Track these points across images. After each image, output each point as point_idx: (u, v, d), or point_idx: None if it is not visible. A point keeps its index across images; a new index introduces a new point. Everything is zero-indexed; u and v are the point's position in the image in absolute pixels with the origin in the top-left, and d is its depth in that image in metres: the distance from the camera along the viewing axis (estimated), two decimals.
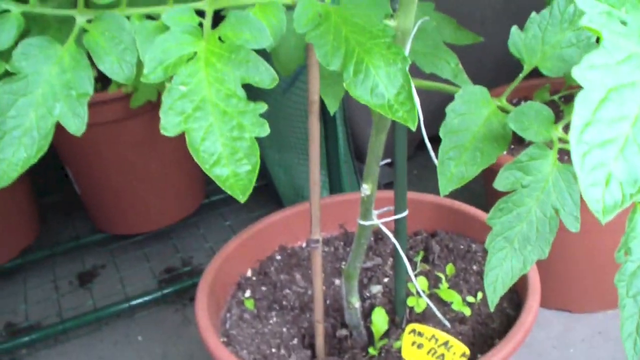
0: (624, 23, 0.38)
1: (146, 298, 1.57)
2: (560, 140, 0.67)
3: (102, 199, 1.73)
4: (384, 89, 0.56)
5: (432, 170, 1.79)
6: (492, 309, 0.68)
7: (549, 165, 0.65)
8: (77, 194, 1.75)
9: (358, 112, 1.79)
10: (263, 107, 0.58)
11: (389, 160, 0.89)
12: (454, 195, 1.23)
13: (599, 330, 1.46)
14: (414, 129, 0.56)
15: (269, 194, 1.86)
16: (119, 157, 1.63)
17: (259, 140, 1.66)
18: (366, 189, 0.85)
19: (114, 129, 1.57)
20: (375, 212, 0.89)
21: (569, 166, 0.65)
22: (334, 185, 1.48)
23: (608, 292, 1.47)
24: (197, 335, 1.03)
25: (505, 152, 1.43)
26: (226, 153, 0.57)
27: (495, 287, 0.66)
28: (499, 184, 0.64)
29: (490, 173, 1.42)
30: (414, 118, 0.55)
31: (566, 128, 0.58)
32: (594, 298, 1.48)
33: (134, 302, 1.56)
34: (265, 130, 0.57)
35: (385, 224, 0.91)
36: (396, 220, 0.92)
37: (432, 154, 0.82)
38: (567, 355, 1.39)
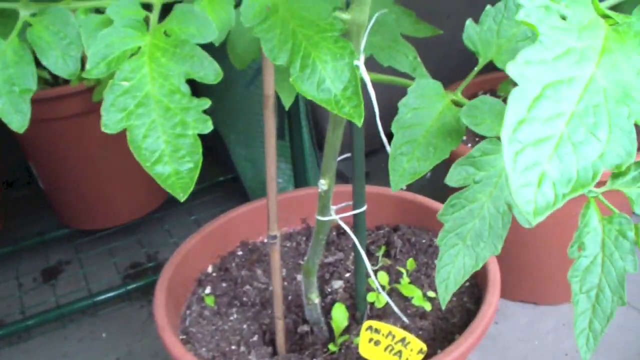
0: (563, 17, 0.37)
1: (110, 294, 1.55)
2: None
3: (66, 194, 1.70)
4: (330, 84, 0.55)
5: None
6: (443, 307, 0.67)
7: (502, 161, 0.64)
8: (41, 189, 1.72)
9: (322, 108, 1.77)
10: (206, 103, 0.56)
11: (348, 155, 0.88)
12: (418, 188, 1.22)
13: (564, 322, 1.46)
14: (359, 124, 0.55)
15: (235, 188, 1.84)
16: (83, 151, 1.61)
17: (225, 134, 1.65)
18: (323, 184, 0.84)
19: (76, 123, 1.55)
20: (333, 208, 0.88)
21: None
22: (299, 178, 1.48)
23: None
24: None
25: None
26: (168, 150, 0.55)
27: (447, 284, 0.65)
28: (451, 179, 0.64)
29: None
30: (360, 114, 0.54)
31: None
32: (559, 290, 1.48)
33: (97, 299, 1.53)
34: (208, 127, 0.56)
35: (346, 218, 0.91)
36: (355, 215, 0.91)
37: (388, 148, 0.81)
38: (532, 348, 1.40)
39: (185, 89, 0.56)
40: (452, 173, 0.63)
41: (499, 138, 0.65)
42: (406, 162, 0.64)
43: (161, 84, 0.55)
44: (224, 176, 1.91)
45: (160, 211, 1.82)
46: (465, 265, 0.64)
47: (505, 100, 0.41)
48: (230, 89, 1.64)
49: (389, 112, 0.72)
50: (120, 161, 1.67)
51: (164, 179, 0.56)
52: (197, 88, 1.74)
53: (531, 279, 1.47)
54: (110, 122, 0.55)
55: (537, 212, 0.34)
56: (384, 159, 2.09)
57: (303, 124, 1.43)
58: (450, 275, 0.64)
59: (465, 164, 0.63)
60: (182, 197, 0.57)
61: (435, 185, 1.17)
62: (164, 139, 0.55)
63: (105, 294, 1.55)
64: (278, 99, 0.87)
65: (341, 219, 0.90)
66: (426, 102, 0.66)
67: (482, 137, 1.41)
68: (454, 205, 0.64)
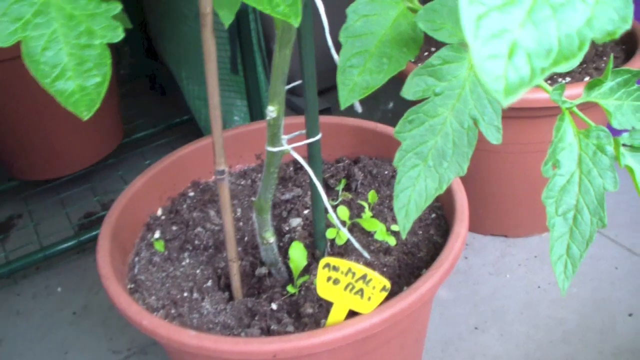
0: None
1: (63, 246, 1.47)
2: None
3: (11, 145, 1.61)
4: None
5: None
6: (403, 236, 0.60)
7: (465, 70, 0.56)
8: None
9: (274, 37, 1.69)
10: (116, 7, 0.48)
11: (300, 82, 0.80)
12: (380, 118, 1.15)
13: (535, 253, 1.42)
14: (297, 24, 0.47)
15: (191, 129, 1.76)
16: (26, 96, 1.51)
17: (177, 72, 1.56)
18: (272, 110, 0.76)
19: (17, 66, 1.45)
20: (285, 137, 0.80)
21: None
22: (255, 116, 1.40)
23: (543, 214, 1.42)
24: None
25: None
26: (72, 64, 0.47)
27: (408, 210, 0.58)
28: (408, 91, 0.56)
29: None
30: (297, 12, 0.46)
31: None
32: (529, 222, 1.44)
33: (49, 252, 1.46)
34: (118, 35, 0.48)
35: (300, 151, 0.83)
36: (309, 145, 0.84)
37: (335, 57, 0.73)
38: (503, 281, 1.35)
39: None
40: (409, 84, 0.56)
41: (460, 44, 0.57)
42: (357, 75, 0.57)
43: None
44: (179, 118, 1.83)
45: (112, 157, 1.74)
46: (428, 188, 0.57)
47: None
48: (180, 23, 1.55)
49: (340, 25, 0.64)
50: None
51: (67, 96, 0.47)
52: (144, 24, 1.64)
53: (500, 211, 1.41)
54: (1, 34, 0.47)
55: (508, 90, 0.27)
56: None
57: (257, 56, 1.34)
58: (411, 200, 0.57)
59: (423, 74, 0.56)
60: (86, 115, 0.49)
61: (398, 116, 1.10)
62: (67, 52, 0.47)
63: (57, 247, 1.47)
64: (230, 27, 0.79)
65: (295, 150, 0.82)
66: (378, 9, 0.58)
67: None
68: (412, 121, 0.56)
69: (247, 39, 1.32)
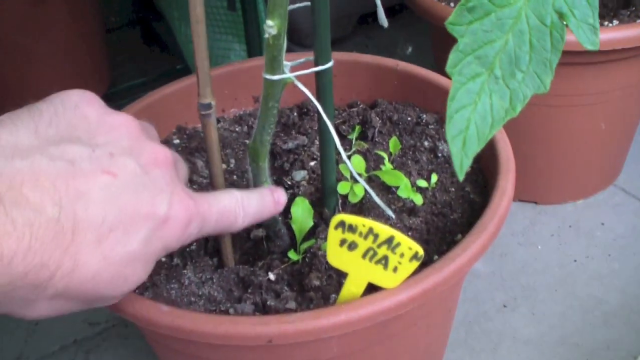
0: None
1: None
2: None
3: None
4: None
5: (375, 50, 1.51)
6: (460, 178, 0.43)
7: None
8: None
9: None
10: None
11: (308, 4, 0.62)
12: (396, 57, 0.98)
13: (570, 223, 1.25)
14: None
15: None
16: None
17: (169, 13, 1.39)
18: (271, 26, 0.59)
19: None
20: (287, 64, 0.63)
21: None
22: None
23: (579, 179, 1.27)
24: None
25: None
26: None
27: (466, 139, 0.40)
28: None
29: (434, 30, 1.16)
30: None
31: None
32: (563, 187, 1.27)
33: None
34: None
35: (308, 84, 0.66)
36: (318, 75, 0.66)
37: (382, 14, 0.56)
38: (535, 253, 1.18)
39: None
40: None
41: None
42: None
43: None
44: (171, 66, 1.66)
45: None
46: (494, 109, 0.39)
47: None
48: None
49: None
50: (47, 51, 1.43)
51: None
52: None
53: (531, 174, 1.25)
54: None
55: None
56: (354, 47, 1.84)
57: None
58: (471, 124, 0.40)
59: None
60: None
61: (417, 62, 0.93)
62: None
63: None
64: None
65: (301, 83, 0.65)
66: None
67: None
68: (473, 10, 0.39)
69: None
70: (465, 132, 0.40)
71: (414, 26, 1.47)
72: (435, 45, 1.27)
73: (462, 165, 0.41)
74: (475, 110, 0.40)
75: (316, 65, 0.65)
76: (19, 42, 1.37)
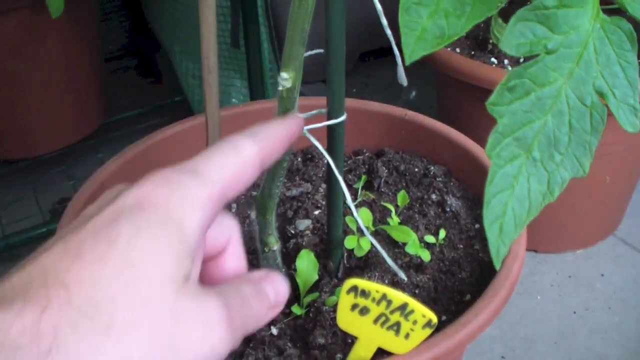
0: None
1: (30, 235, 1.30)
2: None
3: None
4: None
5: (375, 89, 1.50)
6: (497, 267, 0.41)
7: (589, 19, 0.38)
8: None
9: (285, 7, 1.51)
10: None
11: (320, 51, 0.61)
12: (398, 100, 0.97)
13: (569, 273, 1.24)
14: None
15: (183, 111, 1.57)
16: None
17: (169, 46, 1.37)
18: (286, 78, 0.57)
19: None
20: (300, 116, 0.61)
21: (621, 20, 0.39)
22: (256, 96, 1.21)
23: (580, 228, 1.25)
24: None
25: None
26: None
27: (503, 226, 0.39)
28: (509, 43, 0.37)
29: (444, 79, 1.15)
30: None
31: None
32: (563, 236, 1.26)
33: (12, 241, 1.28)
34: None
35: (317, 135, 0.64)
36: (330, 129, 0.65)
37: (396, 51, 0.55)
38: (534, 304, 1.17)
39: None
40: (512, 33, 0.37)
41: None
42: (426, 18, 0.38)
43: None
44: (170, 98, 1.65)
45: (93, 138, 1.55)
46: (532, 193, 0.38)
47: None
48: None
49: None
50: (42, 77, 1.40)
51: None
52: None
53: (531, 223, 1.23)
54: None
55: None
56: (356, 83, 1.84)
57: (262, 28, 1.16)
58: (508, 209, 0.38)
59: (532, 19, 0.37)
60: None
61: (421, 108, 0.92)
62: None
63: (23, 235, 1.29)
64: None
65: (310, 132, 0.64)
66: None
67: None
68: (513, 89, 0.37)
69: (251, 7, 1.13)
70: (503, 218, 0.38)
71: (417, 69, 1.46)
72: (440, 95, 1.27)
73: (499, 253, 0.40)
74: (513, 194, 0.38)
75: (329, 118, 0.64)
76: (14, 70, 1.35)
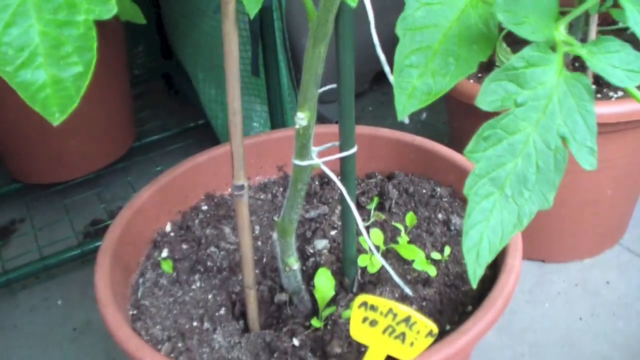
0: None
1: (65, 256, 1.37)
2: (566, 43, 0.47)
3: (15, 144, 1.51)
4: None
5: (390, 107, 1.58)
6: (474, 284, 0.49)
7: (554, 75, 0.45)
8: None
9: (301, 36, 1.58)
10: None
11: (333, 86, 0.69)
12: (409, 130, 1.04)
13: (576, 282, 1.30)
14: (354, 4, 0.36)
15: (207, 135, 1.65)
16: None
17: (193, 73, 1.46)
18: (302, 118, 0.65)
19: None
20: (315, 150, 0.69)
21: (581, 76, 0.46)
22: (276, 122, 1.29)
23: (585, 239, 1.32)
24: None
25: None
26: (45, 46, 0.36)
27: (479, 251, 0.46)
28: (484, 100, 0.45)
29: (455, 105, 1.22)
30: None
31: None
32: (569, 246, 1.33)
33: (49, 262, 1.36)
34: (109, 10, 0.36)
35: (331, 164, 0.72)
36: (343, 160, 0.73)
37: (391, 77, 0.63)
38: (542, 311, 1.23)
39: None
40: (486, 91, 0.44)
41: (547, 44, 0.46)
42: (417, 78, 0.45)
43: None
44: (194, 122, 1.73)
45: (122, 161, 1.63)
46: (504, 224, 0.46)
47: None
48: (198, 20, 1.45)
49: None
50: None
51: (35, 91, 0.36)
52: (159, 22, 1.53)
53: (539, 234, 1.30)
54: None
55: None
56: (371, 102, 1.91)
57: (280, 57, 1.24)
58: (483, 238, 0.46)
59: (503, 78, 0.45)
60: (57, 119, 0.37)
61: (430, 128, 0.99)
62: (39, 29, 0.35)
63: (58, 257, 1.37)
64: (250, 23, 0.68)
65: (325, 164, 0.71)
66: None
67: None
68: (487, 138, 0.45)
69: (270, 38, 1.21)
70: (479, 245, 0.46)
71: None
72: (450, 117, 1.33)
73: (475, 274, 0.48)
74: (488, 225, 0.46)
75: (341, 151, 0.72)
76: None
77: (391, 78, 0.72)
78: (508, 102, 0.45)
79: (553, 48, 0.46)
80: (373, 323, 0.61)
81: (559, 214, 1.26)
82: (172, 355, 0.73)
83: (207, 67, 1.50)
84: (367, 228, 0.86)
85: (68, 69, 0.36)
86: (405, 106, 0.46)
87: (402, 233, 0.85)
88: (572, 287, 1.29)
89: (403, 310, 0.59)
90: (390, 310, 0.59)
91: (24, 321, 1.31)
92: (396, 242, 0.84)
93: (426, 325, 0.60)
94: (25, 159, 1.54)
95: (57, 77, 0.36)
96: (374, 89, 1.88)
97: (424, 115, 1.53)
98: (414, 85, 0.45)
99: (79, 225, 1.53)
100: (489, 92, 0.44)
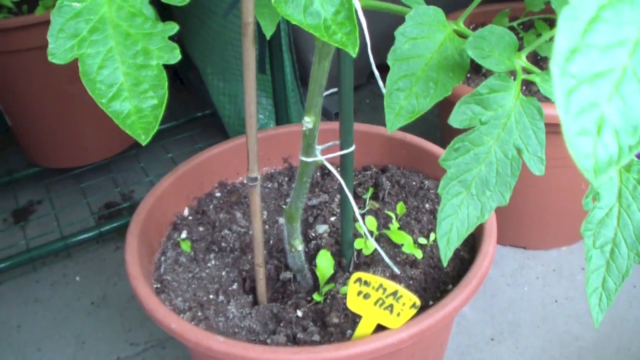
0: None
1: (84, 236, 1.48)
2: (524, 70, 0.59)
3: (35, 132, 1.62)
4: (319, 6, 0.47)
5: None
6: (445, 264, 0.60)
7: (512, 99, 0.57)
8: (9, 126, 1.63)
9: (305, 38, 1.69)
10: (173, 28, 0.48)
11: (334, 90, 0.80)
12: (407, 127, 1.15)
13: (553, 267, 1.41)
14: (354, 54, 0.48)
15: (213, 124, 1.77)
16: (51, 85, 1.52)
17: (202, 67, 1.56)
18: (308, 122, 0.76)
19: (43, 56, 1.45)
20: (319, 147, 0.81)
21: (533, 99, 0.57)
22: (281, 115, 1.40)
23: (563, 228, 1.43)
24: None
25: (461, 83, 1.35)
26: (128, 84, 0.47)
27: (449, 238, 0.58)
28: (455, 120, 0.56)
29: (446, 104, 1.34)
30: (355, 42, 0.47)
31: (530, 57, 0.50)
32: (549, 235, 1.44)
33: (70, 241, 1.46)
34: (175, 57, 0.48)
35: (333, 158, 0.84)
36: (342, 156, 0.84)
37: (380, 83, 0.74)
38: (521, 293, 1.35)
39: (149, 11, 0.48)
40: (457, 112, 0.56)
41: (507, 73, 0.57)
42: (404, 99, 0.57)
43: (119, 5, 0.47)
44: (201, 112, 1.84)
45: (135, 148, 1.74)
46: (470, 217, 0.57)
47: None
48: (207, 19, 1.55)
49: (381, 43, 0.65)
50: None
51: (123, 118, 0.48)
52: (171, 18, 1.64)
53: (522, 223, 1.41)
54: (58, 50, 0.47)
55: (598, 169, 0.26)
56: (368, 94, 2.01)
57: (285, 56, 1.35)
58: (453, 227, 0.58)
59: (470, 102, 0.56)
60: (144, 140, 0.49)
61: (423, 123, 1.10)
62: (123, 71, 0.47)
63: (78, 236, 1.47)
64: (258, 28, 0.79)
65: (327, 159, 0.83)
66: (426, 32, 0.59)
67: (473, 74, 1.35)
68: (457, 149, 0.57)
69: (276, 39, 1.32)
70: (449, 234, 0.58)
71: None
72: (442, 115, 1.43)
73: (446, 256, 0.59)
74: (457, 217, 0.57)
75: (342, 149, 0.83)
76: (69, 90, 1.54)
77: (380, 81, 0.83)
78: (474, 121, 0.56)
79: (513, 76, 0.58)
80: (366, 296, 0.73)
81: (540, 205, 1.37)
82: (193, 322, 0.85)
83: (215, 62, 1.60)
84: (363, 215, 0.98)
85: (146, 102, 0.47)
86: (393, 123, 0.58)
87: (394, 220, 0.96)
88: (549, 272, 1.40)
89: (391, 285, 0.71)
90: (381, 285, 0.71)
91: (45, 295, 1.41)
92: (388, 228, 0.95)
93: (410, 298, 0.72)
94: (44, 145, 1.64)
95: (138, 107, 0.47)
96: (371, 82, 1.99)
97: None
98: (401, 105, 0.57)
99: (94, 208, 1.63)
100: (460, 112, 0.56)
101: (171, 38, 1.42)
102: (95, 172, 1.72)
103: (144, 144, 0.50)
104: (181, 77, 2.04)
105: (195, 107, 1.86)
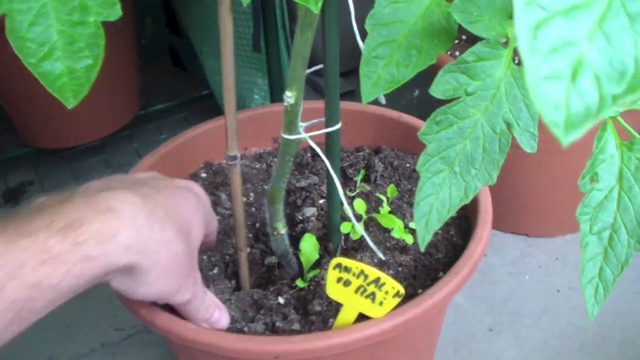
0: None
1: None
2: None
3: (26, 111, 1.57)
4: None
5: None
6: (422, 248, 0.55)
7: (502, 69, 0.51)
8: (1, 106, 1.59)
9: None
10: None
11: (320, 66, 0.75)
12: (404, 107, 1.10)
13: (556, 256, 1.36)
14: (316, 11, 0.42)
15: (210, 105, 1.71)
16: None
17: (198, 46, 1.51)
18: (290, 96, 0.71)
19: None
20: (302, 125, 0.76)
21: None
22: (276, 94, 1.35)
23: (567, 216, 1.37)
24: None
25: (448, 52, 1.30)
26: (62, 42, 0.42)
27: (429, 221, 0.53)
28: (437, 89, 0.51)
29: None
30: None
31: None
32: (552, 222, 1.39)
33: None
34: (115, 13, 0.43)
35: (320, 138, 0.79)
36: (328, 135, 0.79)
37: (361, 45, 0.68)
38: (522, 282, 1.30)
39: None
40: (439, 81, 0.51)
41: (498, 41, 0.52)
42: (382, 68, 0.52)
43: None
44: (197, 92, 1.78)
45: (128, 129, 1.69)
46: (452, 197, 0.52)
47: None
48: None
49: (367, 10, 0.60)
50: None
51: (53, 79, 0.43)
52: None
53: (523, 210, 1.36)
54: None
55: (570, 123, 0.21)
56: None
57: (280, 35, 1.30)
58: (433, 209, 0.52)
59: (455, 70, 0.51)
60: (72, 102, 0.44)
61: (423, 104, 1.05)
62: (57, 28, 0.42)
63: None
64: (253, 5, 0.74)
65: (313, 138, 0.78)
66: None
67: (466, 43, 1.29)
68: (439, 122, 0.51)
69: (270, 17, 1.27)
70: (429, 215, 0.53)
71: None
72: None
73: (424, 240, 0.54)
74: (438, 198, 0.52)
75: (326, 126, 0.78)
76: None
77: None
78: (459, 91, 0.51)
79: (504, 44, 0.52)
80: (347, 283, 0.68)
81: (541, 192, 1.32)
82: (166, 308, 0.80)
83: (210, 41, 1.55)
84: (352, 198, 0.93)
85: (80, 62, 0.43)
86: (370, 92, 0.53)
87: (384, 204, 0.91)
88: (552, 260, 1.35)
89: (373, 272, 0.66)
90: (362, 271, 0.66)
91: None
92: (378, 212, 0.90)
93: (394, 286, 0.67)
94: (36, 125, 1.59)
95: (71, 68, 0.43)
96: None
97: (417, 92, 1.59)
98: (379, 74, 0.52)
99: None
100: (443, 82, 0.51)
101: (173, 19, 1.37)
102: (88, 153, 1.68)
103: (70, 107, 0.46)
104: (181, 57, 1.99)
105: (192, 88, 1.81)
